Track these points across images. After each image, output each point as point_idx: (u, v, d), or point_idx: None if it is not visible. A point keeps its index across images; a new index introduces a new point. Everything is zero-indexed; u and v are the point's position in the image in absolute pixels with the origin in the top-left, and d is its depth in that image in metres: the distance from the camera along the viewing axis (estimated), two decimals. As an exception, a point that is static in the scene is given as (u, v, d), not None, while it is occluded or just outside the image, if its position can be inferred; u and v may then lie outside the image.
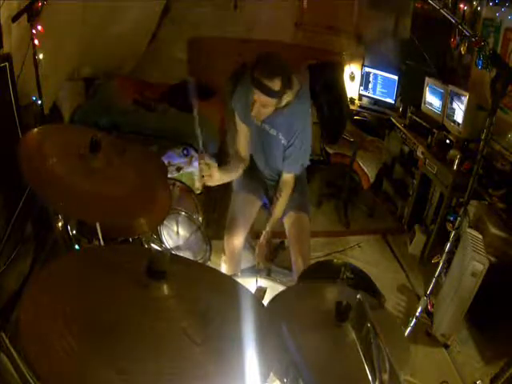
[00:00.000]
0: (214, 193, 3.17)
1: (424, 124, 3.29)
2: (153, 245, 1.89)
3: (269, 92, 1.73)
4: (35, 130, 1.42)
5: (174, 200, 2.30)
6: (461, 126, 2.91)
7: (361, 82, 4.07)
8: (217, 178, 1.84)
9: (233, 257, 2.20)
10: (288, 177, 2.03)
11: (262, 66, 1.73)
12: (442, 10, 2.07)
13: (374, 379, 0.87)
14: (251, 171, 2.20)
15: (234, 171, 2.08)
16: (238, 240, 2.14)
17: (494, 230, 2.32)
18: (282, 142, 1.96)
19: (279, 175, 2.12)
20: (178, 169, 2.91)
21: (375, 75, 3.96)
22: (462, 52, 2.24)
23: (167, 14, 3.82)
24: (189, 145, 2.95)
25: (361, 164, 3.34)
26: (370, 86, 4.02)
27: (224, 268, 2.25)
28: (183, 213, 2.18)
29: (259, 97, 1.76)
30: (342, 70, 3.91)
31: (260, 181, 2.22)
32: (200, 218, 2.32)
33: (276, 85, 1.72)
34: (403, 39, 3.79)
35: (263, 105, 1.78)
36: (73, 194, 1.25)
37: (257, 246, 2.15)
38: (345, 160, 3.40)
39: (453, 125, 3.01)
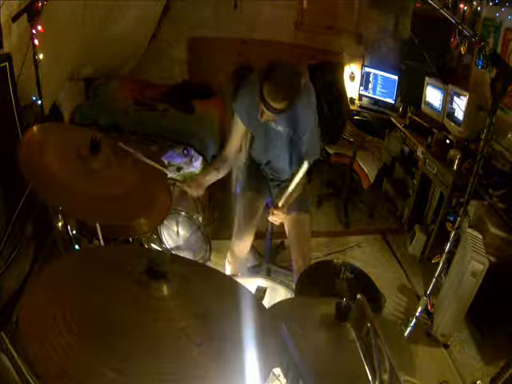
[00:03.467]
0: (213, 193, 3.18)
1: (424, 124, 3.29)
2: (153, 245, 1.89)
3: (277, 112, 1.75)
4: (35, 128, 1.41)
5: (174, 200, 2.31)
6: (461, 126, 2.91)
7: (361, 82, 4.07)
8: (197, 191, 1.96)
9: (240, 259, 2.21)
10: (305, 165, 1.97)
11: (272, 87, 1.69)
12: (441, 10, 2.07)
13: (374, 379, 0.87)
14: (253, 172, 2.19)
15: (214, 173, 2.07)
16: (246, 244, 2.15)
17: (493, 230, 2.32)
18: (290, 135, 1.94)
19: (282, 174, 2.12)
20: (178, 169, 2.91)
21: (375, 75, 3.96)
22: (462, 52, 2.24)
23: (167, 13, 3.82)
24: (189, 145, 2.95)
25: (361, 164, 3.34)
26: (370, 86, 4.02)
27: (229, 268, 2.25)
28: (183, 213, 2.19)
29: (266, 112, 1.77)
30: (342, 70, 3.91)
31: (263, 181, 2.21)
32: (200, 218, 2.33)
33: (284, 105, 1.72)
34: (403, 39, 3.80)
35: (271, 116, 1.81)
36: (73, 194, 1.25)
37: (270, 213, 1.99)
38: (345, 160, 3.40)
39: (453, 125, 3.01)
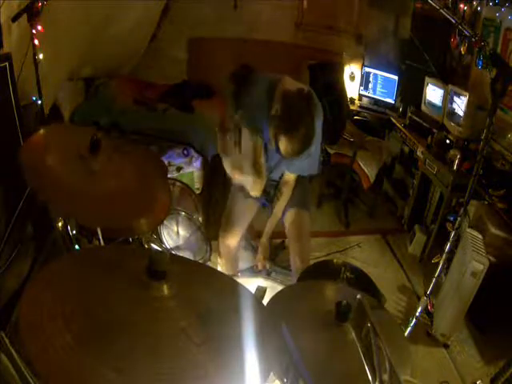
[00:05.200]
0: (214, 193, 3.18)
1: (424, 124, 3.29)
2: (153, 245, 1.89)
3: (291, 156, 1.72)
4: (37, 132, 1.42)
5: (174, 200, 2.31)
6: (461, 126, 2.91)
7: (361, 82, 4.07)
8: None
9: (228, 258, 2.19)
10: (290, 177, 1.99)
11: (290, 145, 1.60)
12: (441, 10, 2.07)
13: (374, 379, 0.87)
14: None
15: None
16: (232, 240, 2.12)
17: (493, 230, 2.32)
18: None
19: (279, 176, 2.11)
20: (178, 169, 2.92)
21: (375, 75, 3.96)
22: (462, 52, 2.24)
23: (167, 13, 3.82)
24: (189, 145, 2.95)
25: (361, 164, 3.34)
26: (370, 86, 4.02)
27: (219, 266, 2.24)
28: (183, 213, 2.19)
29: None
30: (342, 70, 3.91)
31: None
32: (200, 218, 2.33)
33: (298, 155, 1.67)
34: (403, 39, 3.80)
35: None
36: (73, 194, 1.25)
37: (259, 246, 2.13)
38: (345, 160, 3.40)
39: (453, 125, 3.01)
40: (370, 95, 4.07)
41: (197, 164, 2.99)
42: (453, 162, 2.68)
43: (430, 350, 2.33)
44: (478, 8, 2.72)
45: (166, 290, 0.86)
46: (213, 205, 3.05)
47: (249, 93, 1.87)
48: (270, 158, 2.02)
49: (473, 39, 2.02)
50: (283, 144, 1.62)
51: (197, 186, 3.02)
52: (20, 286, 1.94)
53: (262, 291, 1.43)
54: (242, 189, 2.16)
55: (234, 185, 2.20)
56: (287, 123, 1.59)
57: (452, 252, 2.35)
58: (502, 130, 2.62)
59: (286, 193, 2.02)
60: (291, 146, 1.61)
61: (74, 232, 1.52)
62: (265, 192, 2.21)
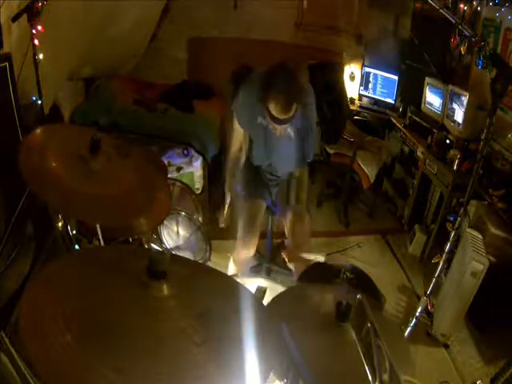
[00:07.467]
0: (214, 193, 3.18)
1: (424, 124, 3.29)
2: (153, 245, 1.89)
3: (285, 122, 1.75)
4: (36, 130, 1.42)
5: (174, 200, 2.31)
6: (461, 126, 2.91)
7: (361, 82, 4.07)
8: None
9: (245, 262, 2.22)
10: (299, 172, 2.04)
11: (277, 99, 1.67)
12: (441, 10, 2.07)
13: (374, 379, 0.88)
14: (252, 176, 2.17)
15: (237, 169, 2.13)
16: (252, 249, 2.16)
17: (493, 230, 2.32)
18: (292, 134, 1.95)
19: (282, 173, 2.12)
20: (178, 169, 2.91)
21: (375, 75, 3.96)
22: (462, 52, 2.24)
23: (167, 13, 3.82)
24: (189, 145, 2.95)
25: (361, 164, 3.34)
26: (370, 86, 4.02)
27: (232, 267, 2.26)
28: (183, 213, 2.19)
29: (279, 128, 1.78)
30: (342, 70, 3.91)
31: (263, 183, 2.19)
32: (200, 218, 2.33)
33: (291, 112, 1.71)
34: (403, 39, 3.80)
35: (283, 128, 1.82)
36: (73, 194, 1.25)
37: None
38: (345, 160, 3.41)
39: (453, 125, 3.01)
40: (370, 95, 4.07)
41: (197, 164, 2.98)
42: (453, 161, 2.69)
43: (429, 350, 2.33)
44: (478, 8, 2.72)
45: (165, 290, 0.86)
46: (213, 205, 3.05)
47: (246, 90, 1.90)
48: (272, 149, 2.03)
49: (473, 39, 2.02)
50: (273, 105, 1.67)
51: (197, 186, 3.02)
52: (20, 285, 1.94)
53: (261, 291, 1.43)
54: (249, 194, 2.16)
55: (240, 192, 2.20)
56: (268, 84, 1.70)
57: (452, 252, 2.35)
58: (501, 130, 2.62)
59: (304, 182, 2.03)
60: (279, 100, 1.66)
61: (74, 232, 1.52)
62: (269, 192, 2.21)
